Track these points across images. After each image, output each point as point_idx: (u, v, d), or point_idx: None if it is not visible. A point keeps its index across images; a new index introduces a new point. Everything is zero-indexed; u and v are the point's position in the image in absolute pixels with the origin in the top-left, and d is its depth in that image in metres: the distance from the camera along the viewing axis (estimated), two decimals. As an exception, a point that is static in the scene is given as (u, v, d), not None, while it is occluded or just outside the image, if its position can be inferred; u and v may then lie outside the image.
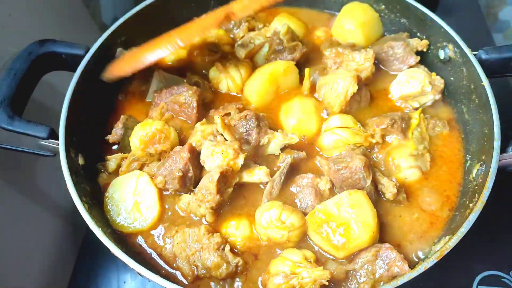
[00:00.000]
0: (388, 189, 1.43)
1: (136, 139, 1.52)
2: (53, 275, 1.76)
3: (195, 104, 1.60)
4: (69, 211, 1.90)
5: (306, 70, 1.71)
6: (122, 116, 1.64)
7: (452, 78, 1.73)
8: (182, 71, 1.79)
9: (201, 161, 1.47)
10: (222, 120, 1.50)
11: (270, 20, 1.97)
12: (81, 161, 1.51)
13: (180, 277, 1.36)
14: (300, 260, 1.28)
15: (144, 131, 1.52)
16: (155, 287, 1.64)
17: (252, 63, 1.81)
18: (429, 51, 1.82)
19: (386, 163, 1.56)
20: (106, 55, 1.70)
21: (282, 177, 1.45)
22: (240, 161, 1.42)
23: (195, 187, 1.44)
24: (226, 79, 1.74)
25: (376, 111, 1.69)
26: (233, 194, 1.45)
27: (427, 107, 1.71)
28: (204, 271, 1.33)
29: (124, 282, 1.73)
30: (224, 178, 1.38)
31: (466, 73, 1.64)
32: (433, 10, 1.76)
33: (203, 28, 1.52)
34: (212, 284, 1.35)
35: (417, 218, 1.46)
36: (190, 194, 1.46)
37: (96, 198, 1.48)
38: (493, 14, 2.71)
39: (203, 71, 1.82)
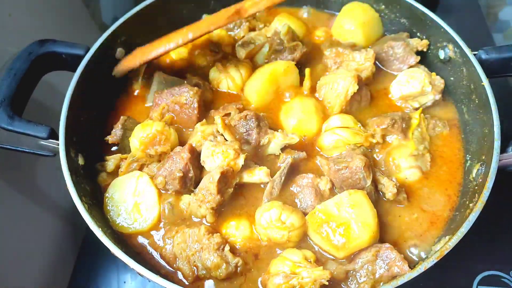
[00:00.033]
0: (388, 189, 1.42)
1: (136, 140, 1.52)
2: (53, 275, 1.76)
3: (196, 105, 1.60)
4: (69, 211, 1.90)
5: (307, 70, 1.71)
6: (121, 117, 1.64)
7: (452, 78, 1.73)
8: (182, 72, 1.79)
9: (201, 161, 1.47)
10: (223, 121, 1.50)
11: (270, 20, 1.97)
12: (81, 161, 1.51)
13: (180, 277, 1.36)
14: (300, 260, 1.27)
15: (145, 132, 1.51)
16: (155, 287, 1.64)
17: (252, 63, 1.81)
18: (429, 51, 1.82)
19: (387, 163, 1.55)
20: (106, 55, 1.70)
21: (283, 177, 1.45)
22: (241, 161, 1.42)
23: (195, 187, 1.44)
24: (226, 79, 1.74)
25: (376, 111, 1.70)
26: (233, 194, 1.45)
27: (427, 107, 1.70)
28: (204, 272, 1.33)
29: (124, 282, 1.72)
30: (225, 178, 1.38)
31: (466, 73, 1.64)
32: (433, 10, 1.76)
33: (213, 23, 1.53)
34: (212, 284, 1.35)
35: (417, 218, 1.46)
36: (190, 194, 1.46)
37: (96, 198, 1.48)
38: (493, 14, 2.70)
39: (203, 72, 1.81)
